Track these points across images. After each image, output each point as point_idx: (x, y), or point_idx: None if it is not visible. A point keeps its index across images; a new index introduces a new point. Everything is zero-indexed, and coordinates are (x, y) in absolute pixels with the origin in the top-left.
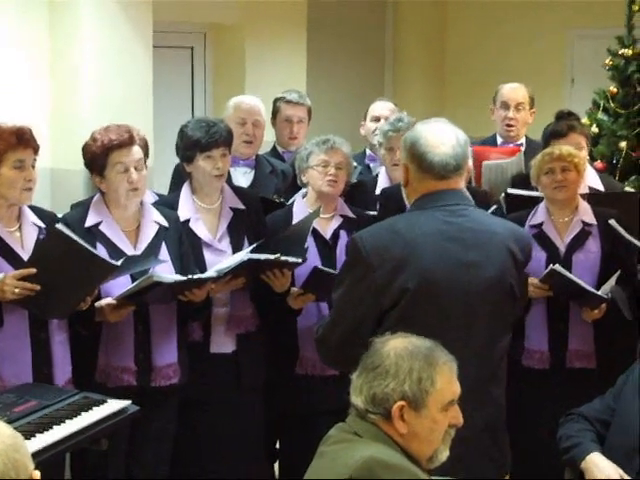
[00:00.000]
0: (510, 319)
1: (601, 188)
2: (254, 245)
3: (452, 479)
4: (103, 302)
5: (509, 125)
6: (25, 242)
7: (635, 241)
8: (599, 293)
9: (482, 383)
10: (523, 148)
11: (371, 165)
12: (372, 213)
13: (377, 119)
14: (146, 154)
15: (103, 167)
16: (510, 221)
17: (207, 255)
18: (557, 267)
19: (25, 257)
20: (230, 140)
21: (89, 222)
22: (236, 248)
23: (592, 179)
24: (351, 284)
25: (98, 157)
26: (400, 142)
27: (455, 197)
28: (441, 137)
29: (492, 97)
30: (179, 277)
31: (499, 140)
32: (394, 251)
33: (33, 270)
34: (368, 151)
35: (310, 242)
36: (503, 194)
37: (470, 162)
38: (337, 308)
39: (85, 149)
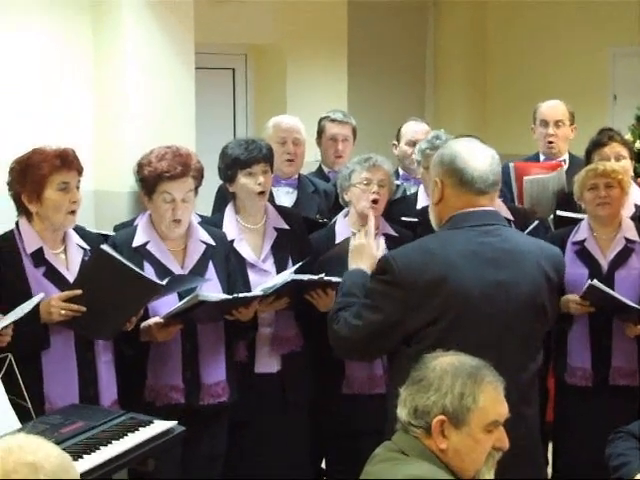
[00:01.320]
0: (541, 338)
1: None
2: (298, 265)
3: None
4: (151, 321)
5: (550, 142)
6: (70, 264)
7: None
8: (639, 307)
9: (514, 404)
10: (566, 164)
11: (404, 184)
12: (413, 220)
13: (412, 143)
14: (199, 183)
15: (151, 192)
16: (554, 237)
17: (251, 275)
18: (595, 282)
19: (70, 279)
20: (270, 156)
21: (137, 242)
22: (280, 268)
23: (637, 197)
24: (381, 297)
25: (148, 182)
26: (433, 159)
27: (488, 217)
28: (479, 153)
29: (532, 116)
30: (224, 296)
31: (542, 158)
32: (428, 272)
33: (79, 291)
34: (401, 171)
35: None
36: (552, 216)
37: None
38: (364, 315)
39: (139, 168)
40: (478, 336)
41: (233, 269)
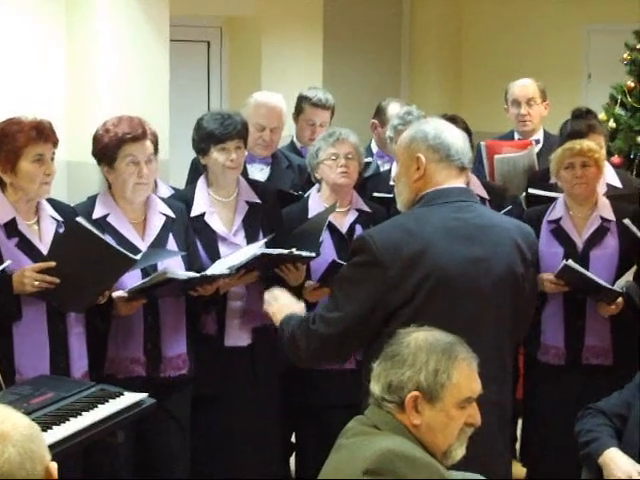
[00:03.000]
0: (519, 314)
1: (619, 185)
2: (266, 238)
3: (470, 474)
4: (114, 295)
5: (523, 121)
6: (43, 235)
7: None
8: (613, 287)
9: (491, 380)
10: (541, 142)
11: (379, 162)
12: (387, 195)
13: None
14: (156, 149)
15: (113, 159)
16: (529, 215)
17: (222, 249)
18: (570, 262)
19: (44, 250)
20: (245, 133)
21: (97, 214)
22: (251, 242)
23: (610, 176)
24: (359, 281)
25: (110, 148)
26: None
27: (461, 193)
28: (456, 132)
29: (504, 96)
30: (192, 274)
31: (516, 136)
32: (406, 249)
33: (52, 263)
34: (375, 148)
35: (326, 236)
36: (524, 194)
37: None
38: (341, 305)
39: (97, 139)
40: (455, 312)
41: (192, 242)
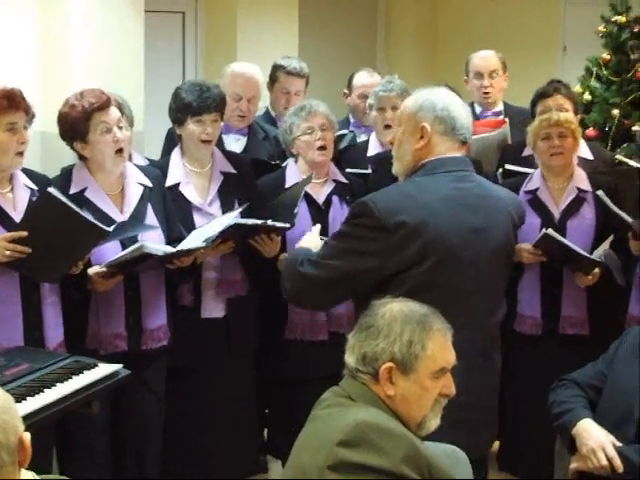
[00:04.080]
0: (505, 283)
1: (590, 157)
2: (241, 208)
3: (444, 445)
4: (91, 270)
5: (486, 93)
6: (17, 204)
7: (621, 213)
8: (592, 257)
9: (486, 348)
10: (502, 114)
11: (356, 132)
12: (364, 172)
13: (364, 96)
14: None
15: (86, 132)
16: (506, 186)
17: (197, 219)
18: (550, 231)
19: (17, 219)
20: (222, 106)
21: (73, 189)
22: (226, 212)
23: (582, 149)
24: (359, 239)
25: (79, 122)
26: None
27: (461, 163)
28: (463, 107)
29: (464, 68)
30: (169, 249)
31: (478, 109)
32: (409, 215)
33: (24, 233)
34: (351, 119)
35: (303, 207)
36: (501, 170)
37: None
38: (334, 255)
39: (63, 117)
40: (455, 281)
41: (170, 210)
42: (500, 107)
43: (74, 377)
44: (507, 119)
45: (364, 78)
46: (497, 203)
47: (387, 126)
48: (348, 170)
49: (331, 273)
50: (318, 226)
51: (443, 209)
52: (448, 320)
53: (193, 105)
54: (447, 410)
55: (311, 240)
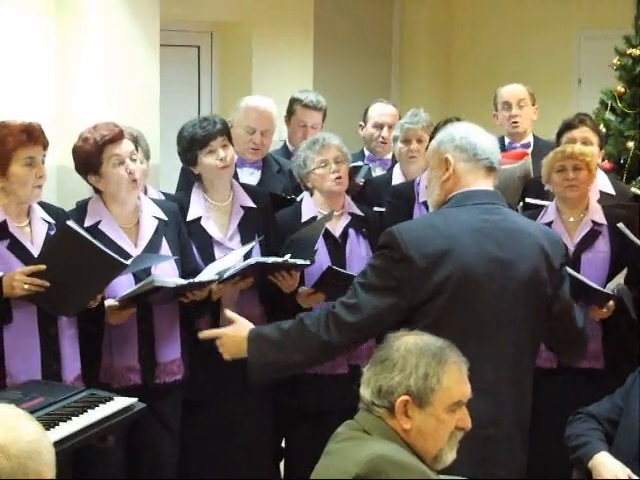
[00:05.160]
0: (542, 319)
1: (612, 192)
2: (256, 241)
3: (459, 478)
4: (105, 304)
5: (515, 122)
6: (35, 238)
7: None
8: (605, 290)
9: (513, 381)
10: (531, 146)
11: (370, 165)
12: (380, 209)
13: (379, 126)
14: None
15: (99, 164)
16: None
17: (217, 253)
18: None
19: (35, 253)
20: (226, 129)
21: (88, 222)
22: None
23: (603, 183)
24: (385, 272)
25: (92, 155)
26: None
27: (490, 196)
28: (484, 133)
29: (493, 103)
30: (180, 281)
31: (507, 141)
32: (433, 245)
33: (43, 266)
34: (366, 152)
35: (320, 241)
36: (521, 203)
37: None
38: (362, 294)
39: (77, 150)
40: (479, 313)
41: (185, 244)
42: (529, 139)
43: (89, 410)
44: (529, 152)
45: (379, 107)
46: (526, 237)
47: (412, 157)
48: (376, 209)
49: (366, 314)
50: None
51: (468, 241)
52: (473, 352)
53: (197, 137)
54: (476, 444)
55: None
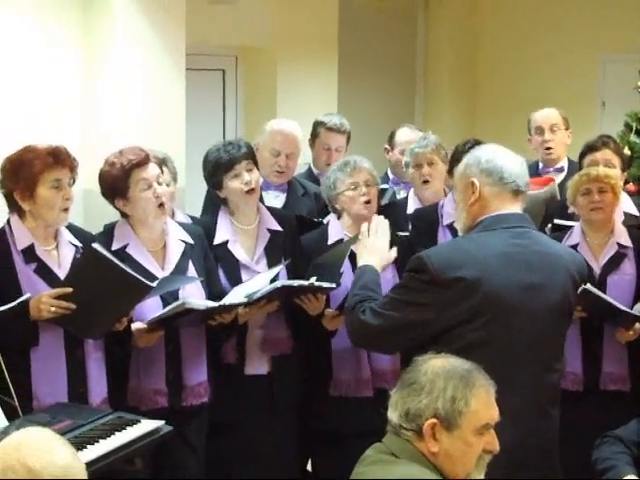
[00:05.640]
0: (565, 339)
1: (636, 213)
2: (283, 264)
3: None
4: (133, 326)
5: (548, 148)
6: (62, 261)
7: None
8: (632, 312)
9: (542, 405)
10: (565, 171)
11: (395, 188)
12: (404, 234)
13: None
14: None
15: (126, 189)
16: None
17: (244, 277)
18: (589, 286)
19: (62, 276)
20: (251, 153)
21: (115, 245)
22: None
23: (627, 204)
24: (415, 292)
25: (119, 179)
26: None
27: (519, 219)
28: (512, 155)
29: (526, 127)
30: (210, 303)
31: (540, 165)
32: (464, 271)
33: (69, 289)
34: (391, 175)
35: (346, 263)
36: (550, 225)
37: None
38: (392, 306)
39: (103, 175)
40: (510, 338)
41: (212, 267)
42: (563, 163)
43: (117, 433)
44: (558, 177)
45: (407, 134)
46: (556, 260)
47: (425, 182)
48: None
49: (389, 323)
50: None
51: (499, 265)
52: (502, 378)
53: (222, 161)
54: (502, 470)
55: (371, 247)
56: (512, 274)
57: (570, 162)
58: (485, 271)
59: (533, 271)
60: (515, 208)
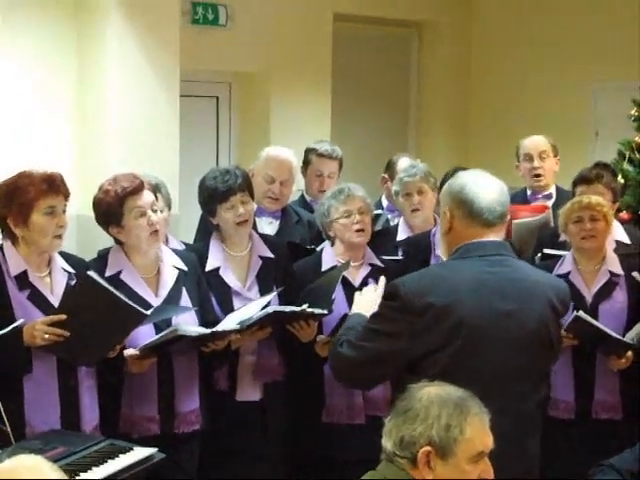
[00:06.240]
0: (546, 369)
1: (627, 241)
2: (276, 291)
3: None
4: (126, 353)
5: (537, 175)
6: (55, 288)
7: None
8: (625, 339)
9: (518, 435)
10: (553, 197)
11: (389, 216)
12: (396, 258)
13: None
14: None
15: (120, 216)
16: None
17: (236, 304)
18: (581, 314)
19: (55, 303)
20: (248, 185)
21: (109, 272)
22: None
23: (619, 232)
24: (389, 321)
25: (113, 207)
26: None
27: (497, 247)
28: (488, 184)
29: (515, 153)
30: (202, 330)
31: (528, 192)
32: (435, 297)
33: (63, 316)
34: (385, 202)
35: (339, 290)
36: (539, 254)
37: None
38: (366, 337)
39: (97, 202)
40: (483, 365)
41: (205, 294)
42: (551, 190)
43: (110, 461)
44: (549, 204)
45: (406, 164)
46: (533, 288)
47: (415, 210)
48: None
49: (363, 355)
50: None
51: (471, 293)
52: None
53: (218, 192)
54: None
55: (365, 300)
56: (483, 301)
57: (558, 189)
58: (456, 298)
59: (507, 299)
60: (492, 236)
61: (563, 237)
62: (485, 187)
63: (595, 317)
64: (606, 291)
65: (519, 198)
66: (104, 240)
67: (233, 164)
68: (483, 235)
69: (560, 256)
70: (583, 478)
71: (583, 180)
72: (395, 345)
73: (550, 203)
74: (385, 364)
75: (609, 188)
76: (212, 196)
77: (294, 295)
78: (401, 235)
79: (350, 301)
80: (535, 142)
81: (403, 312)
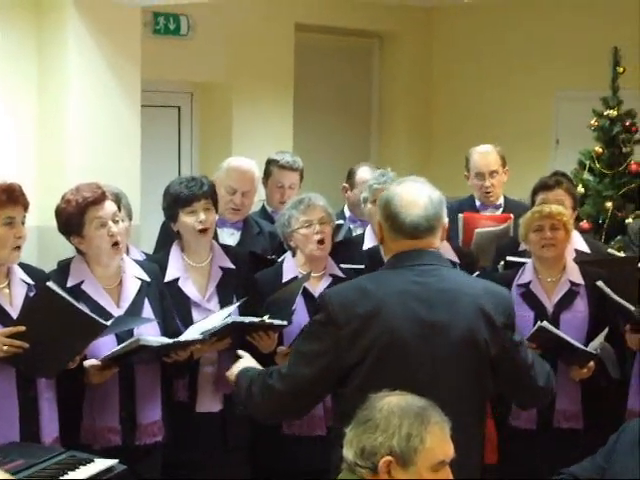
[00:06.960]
0: (482, 381)
1: (587, 250)
2: (238, 302)
3: None
4: (87, 363)
5: (487, 193)
6: (14, 299)
7: (623, 302)
8: (587, 349)
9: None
10: (502, 207)
11: (351, 226)
12: (357, 267)
13: None
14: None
15: (81, 226)
16: (499, 280)
17: (195, 315)
18: (545, 324)
19: (14, 314)
20: (212, 193)
21: (70, 282)
22: (225, 308)
23: (578, 241)
24: (315, 339)
25: (74, 217)
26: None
27: (428, 257)
28: (414, 197)
29: (464, 164)
30: (165, 340)
31: (478, 203)
32: (360, 308)
33: (22, 328)
34: (347, 212)
35: (300, 301)
36: (502, 262)
37: (446, 220)
38: (295, 363)
39: (59, 212)
40: (408, 376)
41: (168, 306)
42: (500, 201)
43: (70, 473)
44: (512, 215)
45: (367, 173)
46: (460, 297)
47: None
48: (343, 265)
49: (291, 384)
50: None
51: (395, 303)
52: None
53: (181, 196)
54: None
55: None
56: (409, 312)
57: (506, 199)
58: (380, 308)
59: (433, 309)
60: (422, 246)
61: (523, 246)
62: (411, 202)
63: (556, 327)
64: (567, 301)
65: (467, 206)
66: (65, 251)
67: (200, 174)
68: (412, 245)
69: (522, 263)
70: None
71: (543, 187)
72: (326, 360)
73: (499, 213)
74: (321, 382)
75: (569, 193)
76: (175, 201)
77: (255, 306)
78: (368, 244)
79: (310, 312)
80: (485, 160)
81: (329, 325)
